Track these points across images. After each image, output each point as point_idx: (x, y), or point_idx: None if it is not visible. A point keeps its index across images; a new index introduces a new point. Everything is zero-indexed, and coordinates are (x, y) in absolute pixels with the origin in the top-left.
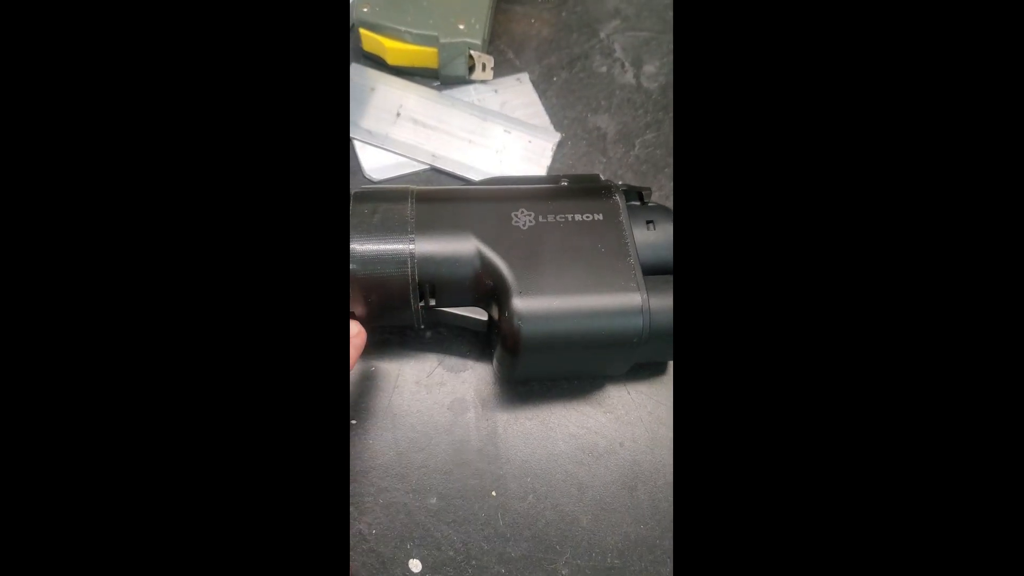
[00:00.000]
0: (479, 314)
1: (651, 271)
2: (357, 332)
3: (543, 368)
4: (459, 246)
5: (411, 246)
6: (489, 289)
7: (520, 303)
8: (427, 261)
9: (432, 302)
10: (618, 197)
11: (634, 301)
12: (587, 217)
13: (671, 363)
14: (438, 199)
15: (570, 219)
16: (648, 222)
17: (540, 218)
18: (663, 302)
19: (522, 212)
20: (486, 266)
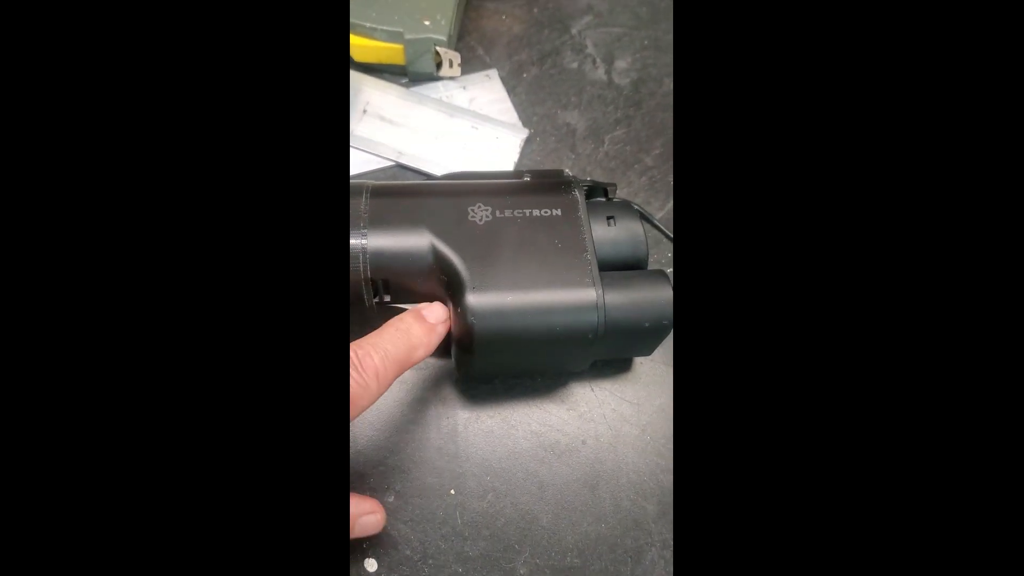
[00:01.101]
0: None
1: (610, 267)
2: (444, 320)
3: (499, 365)
4: (413, 241)
5: (363, 241)
6: (444, 285)
7: (473, 299)
8: (380, 256)
9: (387, 298)
10: (577, 192)
11: (589, 297)
12: (545, 212)
13: (636, 360)
14: (394, 194)
15: (528, 214)
16: (609, 218)
17: (497, 213)
18: (619, 298)
19: (479, 207)
20: (440, 261)
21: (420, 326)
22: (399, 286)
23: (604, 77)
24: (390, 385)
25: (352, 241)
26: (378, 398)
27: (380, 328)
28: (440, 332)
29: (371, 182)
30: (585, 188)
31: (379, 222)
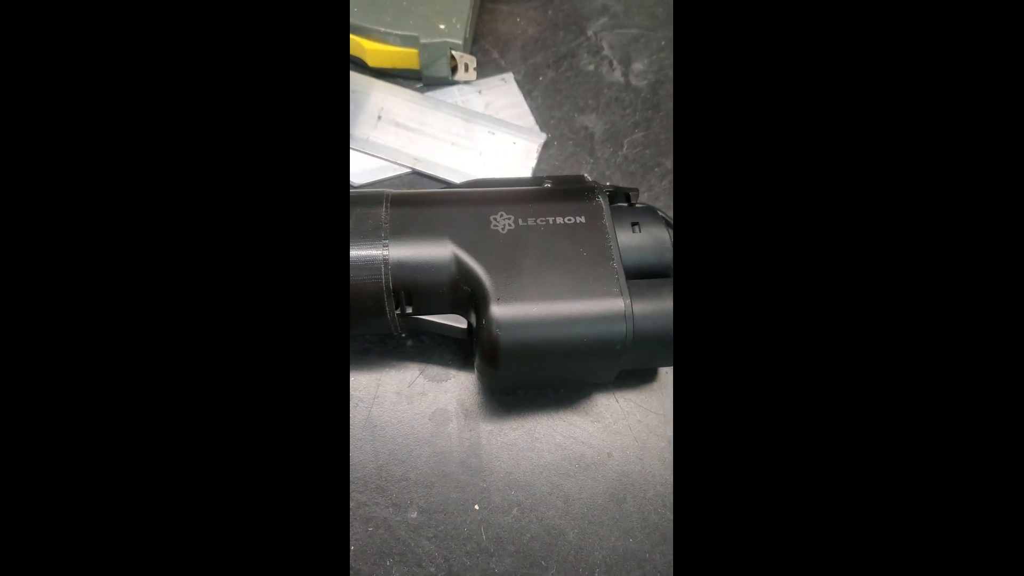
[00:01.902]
0: (458, 321)
1: (636, 275)
2: None
3: (524, 377)
4: (435, 251)
5: (385, 251)
6: (467, 296)
7: (498, 310)
8: (402, 267)
9: (408, 309)
10: (601, 198)
11: (616, 306)
12: (569, 220)
13: (662, 369)
14: (414, 203)
15: (551, 222)
16: (633, 224)
17: (520, 221)
18: (647, 307)
19: (501, 215)
20: (463, 272)
21: None
22: (421, 297)
23: (621, 79)
24: None
25: (373, 252)
26: None
27: None
28: None
29: (390, 191)
30: (607, 193)
31: (400, 232)
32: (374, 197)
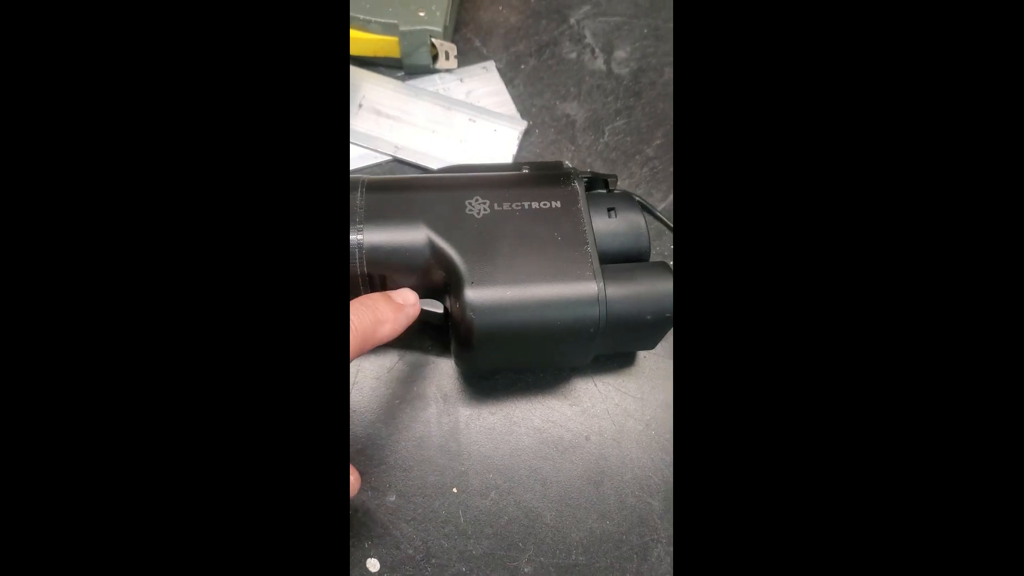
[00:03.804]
0: (435, 306)
1: (612, 259)
2: (413, 303)
3: (499, 360)
4: (409, 236)
5: (359, 236)
6: (442, 280)
7: (472, 294)
8: (376, 251)
9: None
10: (577, 184)
11: (590, 290)
12: (544, 205)
13: (640, 353)
14: (390, 188)
15: (526, 207)
16: (610, 209)
17: (495, 206)
18: (620, 291)
19: (477, 200)
20: (438, 256)
21: (387, 303)
22: (396, 282)
23: (603, 67)
24: (354, 358)
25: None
26: None
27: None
28: (409, 313)
29: (367, 176)
30: (585, 180)
31: (375, 217)
32: (350, 183)
